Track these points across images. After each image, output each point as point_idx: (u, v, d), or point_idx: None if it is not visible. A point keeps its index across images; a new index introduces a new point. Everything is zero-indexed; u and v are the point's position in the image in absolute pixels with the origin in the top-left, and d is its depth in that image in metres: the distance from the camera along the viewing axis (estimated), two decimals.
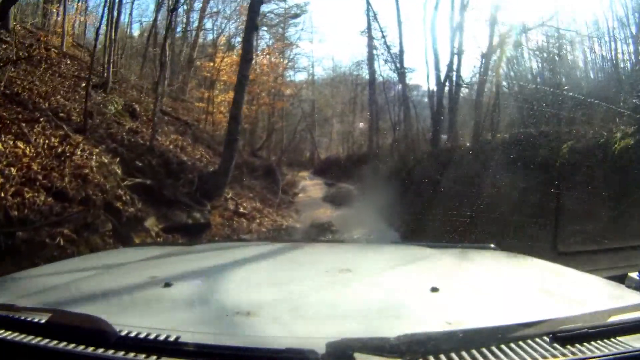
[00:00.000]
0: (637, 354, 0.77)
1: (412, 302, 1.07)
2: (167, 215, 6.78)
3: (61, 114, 6.93)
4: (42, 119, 6.23)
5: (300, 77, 16.17)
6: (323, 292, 1.15)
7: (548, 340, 0.78)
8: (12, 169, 4.84)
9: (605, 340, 0.79)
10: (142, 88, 11.10)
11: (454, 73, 10.28)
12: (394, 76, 13.22)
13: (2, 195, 4.50)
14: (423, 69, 14.74)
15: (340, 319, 0.95)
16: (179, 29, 13.69)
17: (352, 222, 8.77)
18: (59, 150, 5.77)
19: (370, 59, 13.65)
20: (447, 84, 10.51)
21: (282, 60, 14.84)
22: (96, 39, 9.21)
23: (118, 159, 6.71)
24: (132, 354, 0.75)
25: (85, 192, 5.39)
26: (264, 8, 12.02)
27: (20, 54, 7.34)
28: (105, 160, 6.36)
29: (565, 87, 7.38)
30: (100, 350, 0.77)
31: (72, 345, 0.78)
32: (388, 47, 12.58)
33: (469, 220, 5.56)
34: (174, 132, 9.87)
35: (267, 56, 14.21)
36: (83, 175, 5.63)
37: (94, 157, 6.17)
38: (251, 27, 9.05)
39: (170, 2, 11.75)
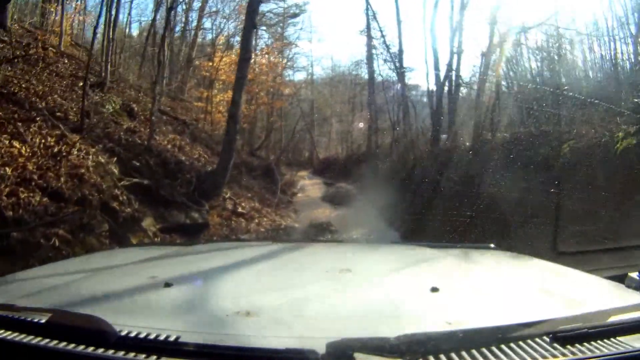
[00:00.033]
0: (637, 354, 0.77)
1: (412, 302, 1.07)
2: (164, 215, 6.74)
3: (58, 114, 6.88)
4: (38, 119, 6.18)
5: (299, 76, 16.19)
6: (323, 292, 1.15)
7: (548, 340, 0.78)
8: (7, 168, 4.80)
9: (605, 340, 0.80)
10: (140, 87, 11.05)
11: (454, 72, 10.28)
12: (393, 76, 13.20)
13: None
14: (422, 68, 14.69)
15: (340, 319, 0.95)
16: (177, 29, 13.70)
17: (351, 222, 8.76)
18: (55, 149, 5.72)
19: (370, 58, 13.61)
20: (446, 83, 10.50)
21: (281, 59, 14.84)
22: (94, 38, 9.22)
23: (115, 158, 6.65)
24: (132, 354, 0.75)
25: (81, 192, 5.34)
26: (263, 7, 12.03)
27: (17, 52, 7.32)
28: (102, 160, 6.31)
29: (565, 87, 7.40)
30: (100, 350, 0.77)
31: (72, 345, 0.78)
32: (387, 47, 12.58)
33: (469, 220, 5.57)
34: (172, 132, 9.82)
35: (266, 55, 14.21)
36: (79, 175, 5.57)
37: (91, 156, 6.12)
38: (250, 26, 9.02)
39: (168, 1, 11.72)
